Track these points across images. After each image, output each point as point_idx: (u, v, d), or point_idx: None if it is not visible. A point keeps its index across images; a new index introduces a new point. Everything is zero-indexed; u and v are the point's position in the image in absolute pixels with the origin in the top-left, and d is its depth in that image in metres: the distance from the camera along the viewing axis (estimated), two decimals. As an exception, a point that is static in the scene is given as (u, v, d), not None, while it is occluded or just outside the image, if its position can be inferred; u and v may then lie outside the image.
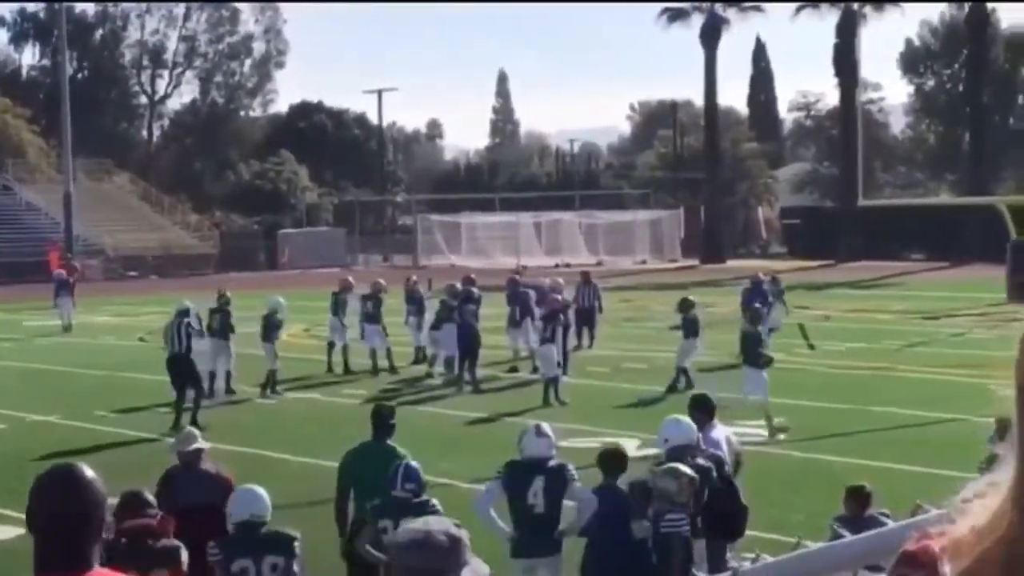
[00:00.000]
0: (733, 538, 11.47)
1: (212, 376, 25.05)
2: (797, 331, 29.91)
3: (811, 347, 29.26)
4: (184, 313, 23.11)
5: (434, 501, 10.31)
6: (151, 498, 9.51)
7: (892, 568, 1.81)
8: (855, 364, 27.31)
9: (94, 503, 3.50)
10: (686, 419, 11.59)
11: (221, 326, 25.55)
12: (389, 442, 11.56)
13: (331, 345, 29.31)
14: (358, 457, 11.60)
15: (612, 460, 10.82)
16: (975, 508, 1.58)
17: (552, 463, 10.79)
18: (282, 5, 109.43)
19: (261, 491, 9.67)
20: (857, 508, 10.69)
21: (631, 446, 17.85)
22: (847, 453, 18.10)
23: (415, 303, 30.67)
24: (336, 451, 12.20)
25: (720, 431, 12.66)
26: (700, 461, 10.98)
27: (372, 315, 28.67)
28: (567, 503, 10.82)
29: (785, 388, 24.93)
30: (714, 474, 11.06)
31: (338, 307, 29.35)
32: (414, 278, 33.04)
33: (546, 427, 11.30)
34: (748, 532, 11.72)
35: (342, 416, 22.90)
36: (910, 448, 18.76)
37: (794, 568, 2.72)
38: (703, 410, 12.45)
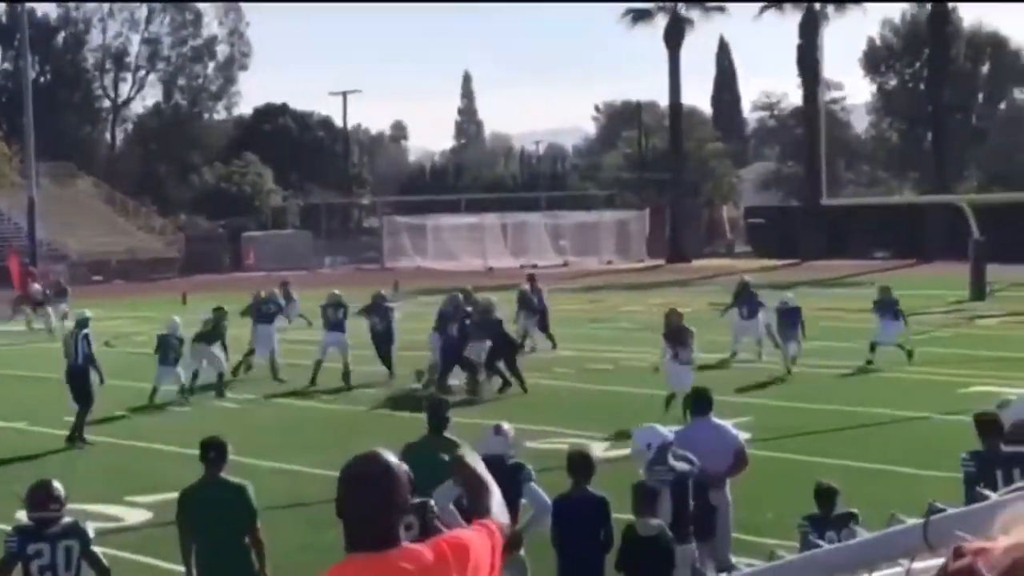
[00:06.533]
0: (706, 537, 11.50)
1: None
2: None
3: (776, 346, 29.34)
4: (83, 324, 22.34)
5: (431, 502, 10.27)
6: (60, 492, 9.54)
7: None
8: (820, 363, 27.43)
9: (396, 485, 3.80)
10: (658, 425, 11.58)
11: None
12: (446, 434, 11.57)
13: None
14: (414, 451, 11.50)
15: (581, 463, 10.79)
16: (1016, 528, 1.60)
17: (510, 462, 10.65)
18: (245, 7, 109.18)
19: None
20: (827, 507, 10.74)
21: (598, 448, 17.92)
22: (813, 452, 18.20)
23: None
24: (295, 455, 12.09)
25: (722, 422, 12.82)
26: (678, 465, 10.97)
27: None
28: (525, 503, 10.65)
29: (750, 387, 25.03)
30: (695, 473, 11.07)
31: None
32: (335, 292, 31.86)
33: (506, 426, 11.19)
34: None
35: (305, 420, 22.90)
36: (876, 446, 18.86)
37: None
38: (704, 403, 12.64)
